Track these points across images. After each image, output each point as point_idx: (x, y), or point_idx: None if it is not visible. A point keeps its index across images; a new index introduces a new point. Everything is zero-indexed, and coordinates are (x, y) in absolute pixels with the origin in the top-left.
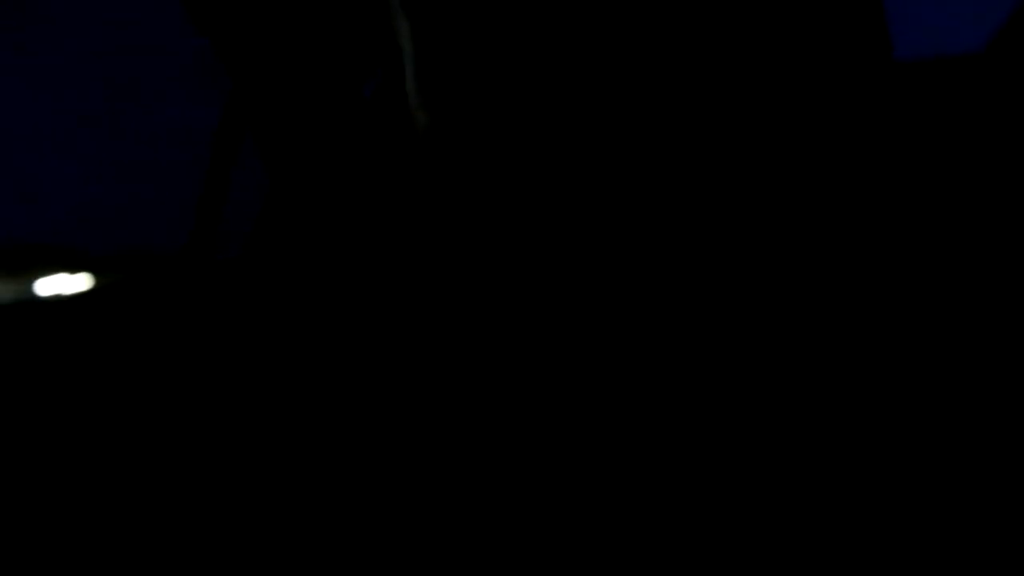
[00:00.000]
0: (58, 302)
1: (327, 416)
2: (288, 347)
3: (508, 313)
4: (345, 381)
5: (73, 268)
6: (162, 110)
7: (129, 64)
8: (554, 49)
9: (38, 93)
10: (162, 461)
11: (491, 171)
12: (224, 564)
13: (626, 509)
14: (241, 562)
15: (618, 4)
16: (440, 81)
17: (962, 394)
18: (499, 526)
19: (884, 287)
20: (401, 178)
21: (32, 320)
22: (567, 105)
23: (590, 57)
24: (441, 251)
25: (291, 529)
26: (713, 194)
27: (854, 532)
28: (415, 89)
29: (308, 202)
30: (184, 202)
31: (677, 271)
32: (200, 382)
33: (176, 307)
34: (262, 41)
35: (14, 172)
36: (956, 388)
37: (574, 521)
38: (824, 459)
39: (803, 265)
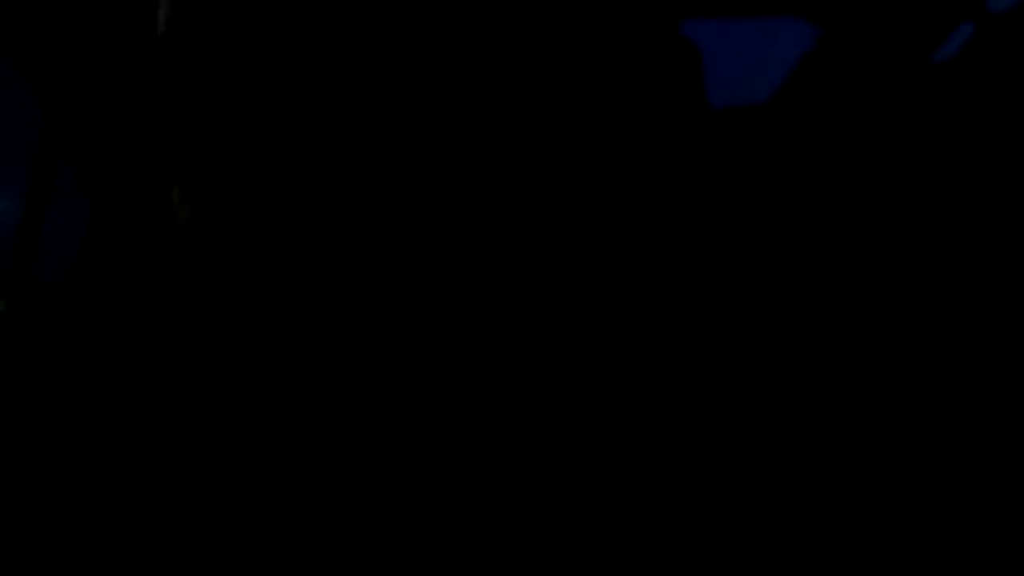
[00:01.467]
0: None
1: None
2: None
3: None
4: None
5: None
6: None
7: None
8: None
9: None
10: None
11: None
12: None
13: (626, 509)
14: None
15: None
16: (203, 184)
17: (952, 395)
18: (499, 526)
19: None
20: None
21: None
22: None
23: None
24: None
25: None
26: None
27: (854, 532)
28: (180, 189)
29: (126, 229)
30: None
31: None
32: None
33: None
34: (69, 67)
35: None
36: (936, 393)
37: (574, 521)
38: (823, 459)
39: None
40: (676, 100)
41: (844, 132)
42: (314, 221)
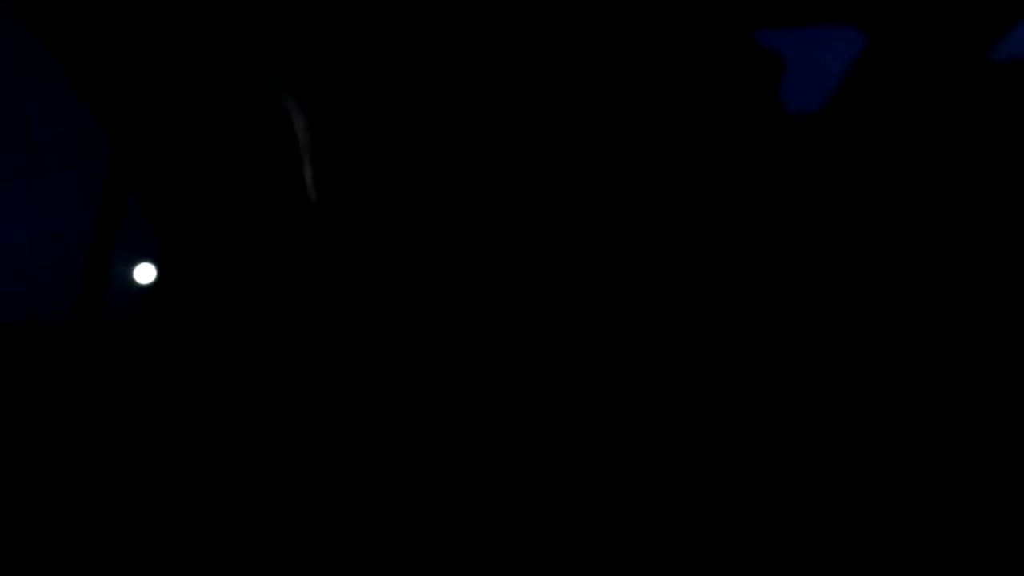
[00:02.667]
0: None
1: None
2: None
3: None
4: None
5: None
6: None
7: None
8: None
9: None
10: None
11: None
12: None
13: (625, 508)
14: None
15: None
16: (331, 168)
17: (946, 395)
18: (498, 525)
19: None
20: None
21: None
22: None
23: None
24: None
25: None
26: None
27: (854, 532)
28: (311, 170)
29: (197, 264)
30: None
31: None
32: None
33: (75, 375)
34: (146, 105)
35: None
36: (925, 395)
37: (574, 521)
38: (822, 459)
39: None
40: (752, 108)
41: (899, 140)
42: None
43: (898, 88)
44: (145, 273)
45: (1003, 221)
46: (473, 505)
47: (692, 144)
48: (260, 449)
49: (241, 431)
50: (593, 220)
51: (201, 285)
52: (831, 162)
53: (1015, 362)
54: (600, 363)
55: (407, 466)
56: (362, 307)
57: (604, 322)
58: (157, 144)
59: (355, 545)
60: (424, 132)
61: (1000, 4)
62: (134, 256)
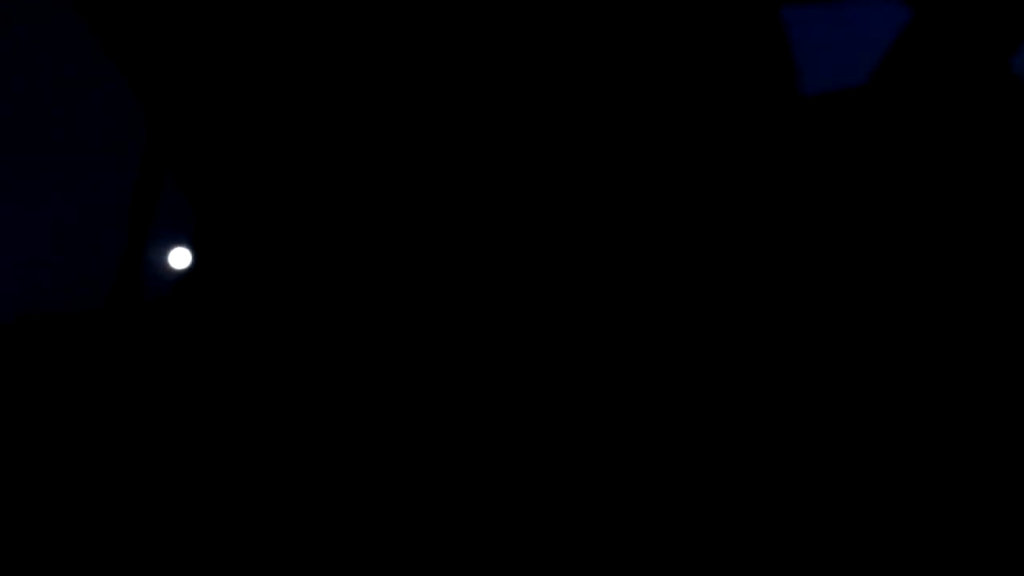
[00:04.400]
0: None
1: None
2: (227, 379)
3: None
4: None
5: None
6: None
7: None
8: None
9: None
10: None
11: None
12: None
13: (625, 508)
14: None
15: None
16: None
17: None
18: (498, 525)
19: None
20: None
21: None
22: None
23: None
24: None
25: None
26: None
27: (854, 532)
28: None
29: (236, 238)
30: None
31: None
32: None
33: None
34: (186, 78)
35: None
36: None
37: (573, 520)
38: (821, 459)
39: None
40: (767, 89)
41: (943, 119)
42: (315, 222)
43: (940, 64)
44: (181, 258)
45: None
46: (472, 504)
47: (706, 132)
48: (279, 441)
49: (267, 422)
50: (598, 213)
51: (238, 268)
52: (873, 136)
53: None
54: (600, 362)
55: (408, 464)
56: (364, 305)
57: (605, 319)
58: (197, 118)
59: (357, 541)
60: (421, 134)
61: None
62: (168, 243)
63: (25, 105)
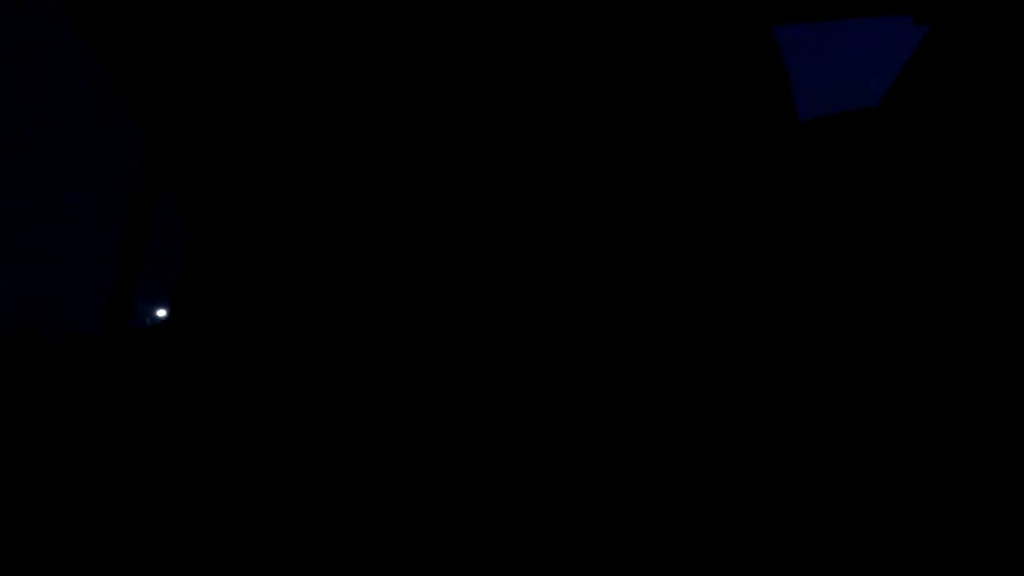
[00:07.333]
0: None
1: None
2: (232, 398)
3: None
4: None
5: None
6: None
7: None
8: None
9: None
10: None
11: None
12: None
13: (625, 508)
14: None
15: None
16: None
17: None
18: (498, 525)
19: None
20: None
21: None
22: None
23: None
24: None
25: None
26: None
27: (854, 532)
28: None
29: (231, 255)
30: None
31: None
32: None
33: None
34: (181, 93)
35: None
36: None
37: (573, 520)
38: (820, 459)
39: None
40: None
41: (963, 132)
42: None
43: (956, 80)
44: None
45: None
46: (471, 503)
47: (702, 139)
48: (279, 442)
49: (270, 421)
50: (592, 229)
51: (235, 275)
52: (893, 155)
53: None
54: (599, 361)
55: (408, 464)
56: (362, 306)
57: (603, 321)
58: (190, 133)
59: (357, 541)
60: (420, 135)
61: None
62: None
63: (20, 112)
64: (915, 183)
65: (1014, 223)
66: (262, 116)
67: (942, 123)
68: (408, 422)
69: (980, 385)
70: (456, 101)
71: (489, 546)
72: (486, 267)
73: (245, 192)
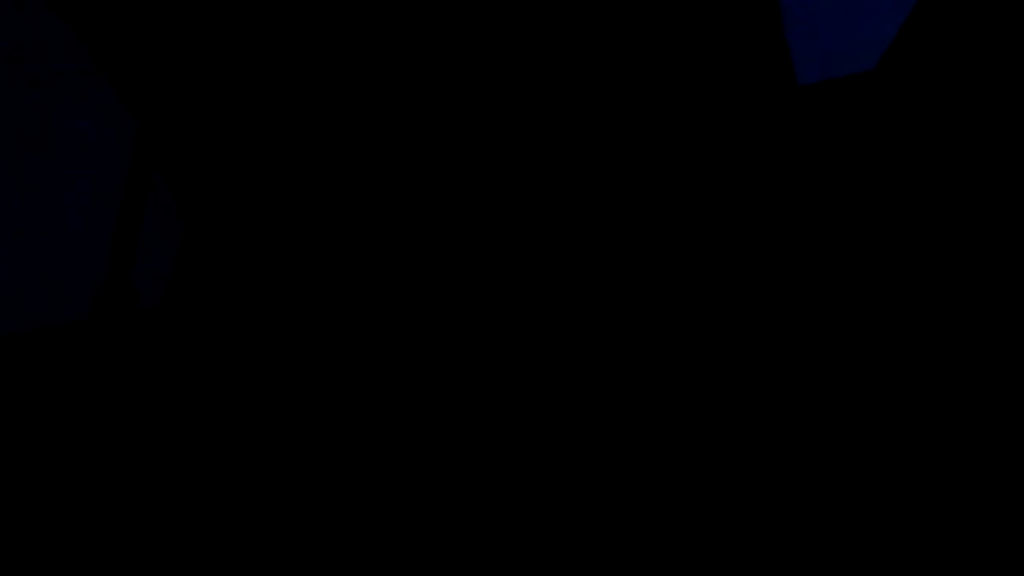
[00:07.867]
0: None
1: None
2: (224, 383)
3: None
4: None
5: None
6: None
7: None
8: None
9: None
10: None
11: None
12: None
13: (624, 508)
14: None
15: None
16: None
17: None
18: (498, 525)
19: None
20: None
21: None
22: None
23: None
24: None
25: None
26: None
27: (853, 532)
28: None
29: (226, 241)
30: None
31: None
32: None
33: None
34: (171, 83)
35: None
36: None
37: (573, 520)
38: (819, 459)
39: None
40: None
41: (958, 100)
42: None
43: (950, 45)
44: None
45: None
46: (472, 503)
47: (701, 128)
48: (278, 442)
49: (269, 415)
50: (595, 206)
51: (230, 270)
52: (888, 120)
53: None
54: (599, 360)
55: (407, 464)
56: (361, 305)
57: (604, 314)
58: (184, 125)
59: (357, 541)
60: (419, 135)
61: None
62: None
63: (18, 111)
64: (912, 149)
65: (1011, 187)
66: (260, 112)
67: (938, 87)
68: (406, 418)
69: (979, 375)
70: (455, 94)
71: (488, 542)
72: (485, 255)
73: (242, 186)
